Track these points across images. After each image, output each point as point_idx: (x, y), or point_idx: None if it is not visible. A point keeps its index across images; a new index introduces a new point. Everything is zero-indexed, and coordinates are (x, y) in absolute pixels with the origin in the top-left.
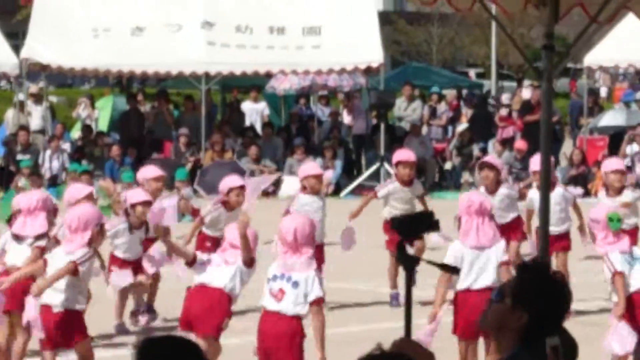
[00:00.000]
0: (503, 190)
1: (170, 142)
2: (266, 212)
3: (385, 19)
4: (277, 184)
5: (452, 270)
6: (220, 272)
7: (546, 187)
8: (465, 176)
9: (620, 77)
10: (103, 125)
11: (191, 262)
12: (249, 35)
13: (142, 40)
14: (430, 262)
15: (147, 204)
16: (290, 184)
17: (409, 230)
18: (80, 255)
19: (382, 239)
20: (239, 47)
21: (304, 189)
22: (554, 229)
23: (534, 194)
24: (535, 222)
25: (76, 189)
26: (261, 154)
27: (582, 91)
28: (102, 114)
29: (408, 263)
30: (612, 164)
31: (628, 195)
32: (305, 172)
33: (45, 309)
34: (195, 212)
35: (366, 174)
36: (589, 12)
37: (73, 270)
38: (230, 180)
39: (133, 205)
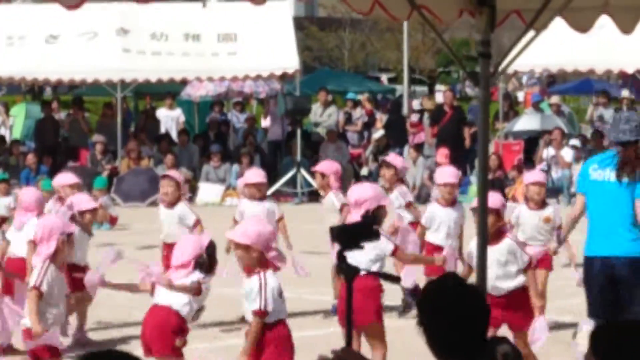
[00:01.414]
0: (398, 189)
1: (86, 149)
2: None
3: (296, 24)
4: (193, 190)
5: (394, 280)
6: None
7: (484, 190)
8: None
9: (532, 80)
10: (17, 133)
11: (152, 291)
12: (165, 42)
13: (57, 48)
14: (371, 272)
15: (95, 211)
16: (206, 191)
17: (348, 240)
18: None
19: (309, 246)
20: (154, 54)
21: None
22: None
23: (435, 209)
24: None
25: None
26: (177, 161)
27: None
28: (15, 121)
29: (349, 273)
30: (532, 175)
31: (550, 209)
32: (245, 180)
33: (27, 330)
34: (113, 221)
35: (282, 180)
36: (525, 19)
37: (39, 295)
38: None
39: (82, 212)
